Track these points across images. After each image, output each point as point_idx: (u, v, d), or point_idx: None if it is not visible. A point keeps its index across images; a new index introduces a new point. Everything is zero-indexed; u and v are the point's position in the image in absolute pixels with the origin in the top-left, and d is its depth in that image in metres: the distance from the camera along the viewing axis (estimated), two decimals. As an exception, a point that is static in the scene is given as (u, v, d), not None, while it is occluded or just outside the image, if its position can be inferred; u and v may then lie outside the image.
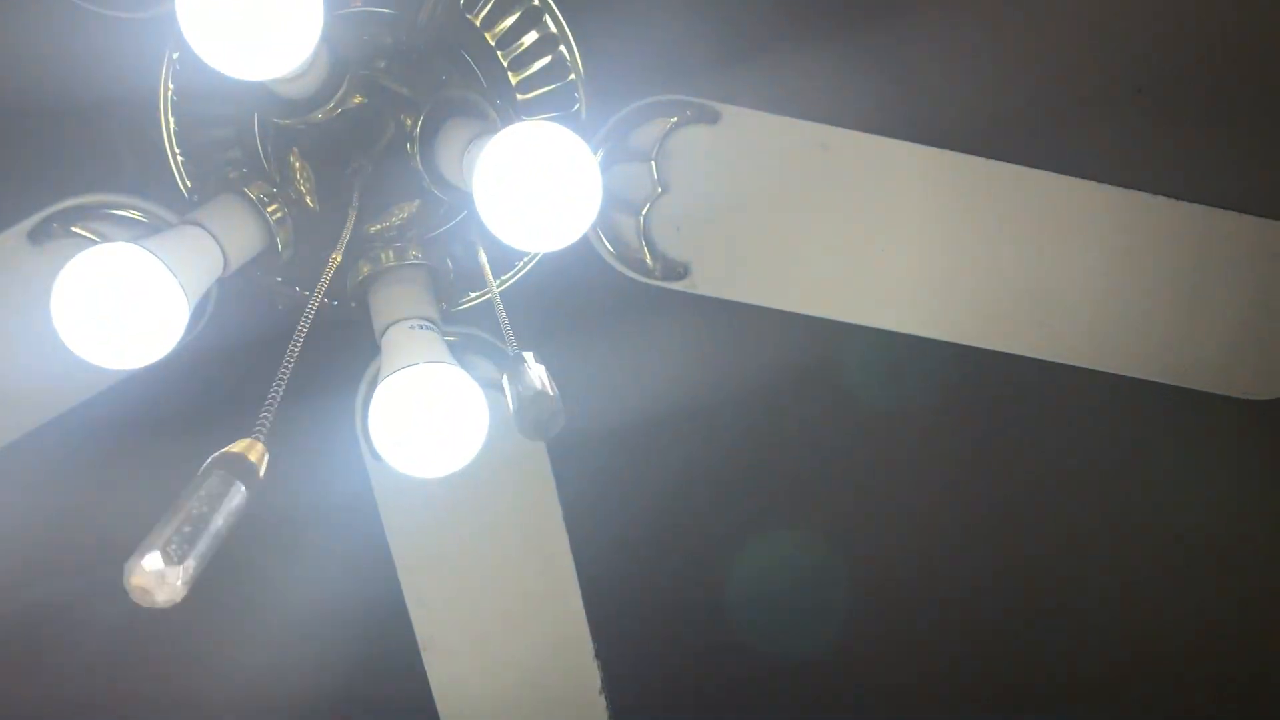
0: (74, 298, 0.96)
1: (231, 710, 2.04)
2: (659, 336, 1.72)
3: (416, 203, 1.17)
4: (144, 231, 1.19)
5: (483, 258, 1.14)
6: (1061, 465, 2.05)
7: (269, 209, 1.08)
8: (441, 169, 1.08)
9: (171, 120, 1.21)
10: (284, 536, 1.78)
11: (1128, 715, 2.37)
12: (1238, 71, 1.61)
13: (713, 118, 1.24)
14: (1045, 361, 1.30)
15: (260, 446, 0.78)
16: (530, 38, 1.23)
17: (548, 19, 1.26)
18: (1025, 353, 1.27)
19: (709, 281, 1.33)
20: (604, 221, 1.28)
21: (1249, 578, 2.19)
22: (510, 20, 1.21)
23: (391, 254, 1.14)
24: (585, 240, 1.15)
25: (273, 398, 0.82)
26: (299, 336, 0.88)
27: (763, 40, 1.56)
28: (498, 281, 1.30)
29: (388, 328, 1.08)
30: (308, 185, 1.12)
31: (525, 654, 1.51)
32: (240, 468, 0.75)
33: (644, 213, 1.32)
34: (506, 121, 1.11)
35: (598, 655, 1.53)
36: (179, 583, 0.68)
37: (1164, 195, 1.27)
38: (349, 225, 1.04)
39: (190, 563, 0.69)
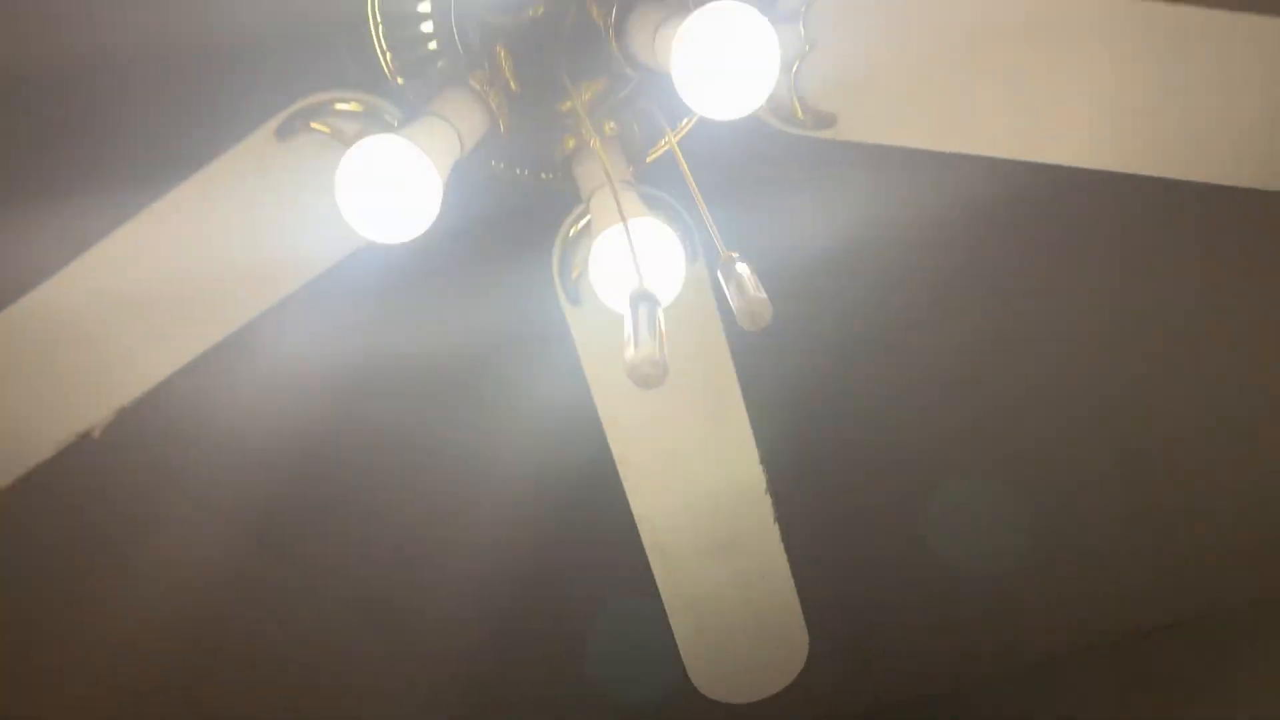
0: (351, 181, 1.16)
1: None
2: (817, 189, 1.88)
3: (604, 79, 1.33)
4: (367, 124, 1.37)
5: (668, 133, 1.30)
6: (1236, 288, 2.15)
7: (490, 97, 1.25)
8: (634, 50, 1.24)
9: (380, 19, 1.38)
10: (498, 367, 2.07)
11: None
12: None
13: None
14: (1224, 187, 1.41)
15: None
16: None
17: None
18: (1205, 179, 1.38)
19: (858, 128, 1.48)
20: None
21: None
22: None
23: (589, 126, 1.31)
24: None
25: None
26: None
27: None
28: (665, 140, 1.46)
29: (594, 190, 1.26)
30: (513, 74, 1.28)
31: (701, 465, 1.74)
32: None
33: (794, 70, 1.46)
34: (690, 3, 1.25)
35: (763, 462, 1.75)
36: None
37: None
38: (578, 107, 1.21)
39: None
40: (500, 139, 1.28)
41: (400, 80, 1.38)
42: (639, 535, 1.77)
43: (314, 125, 1.35)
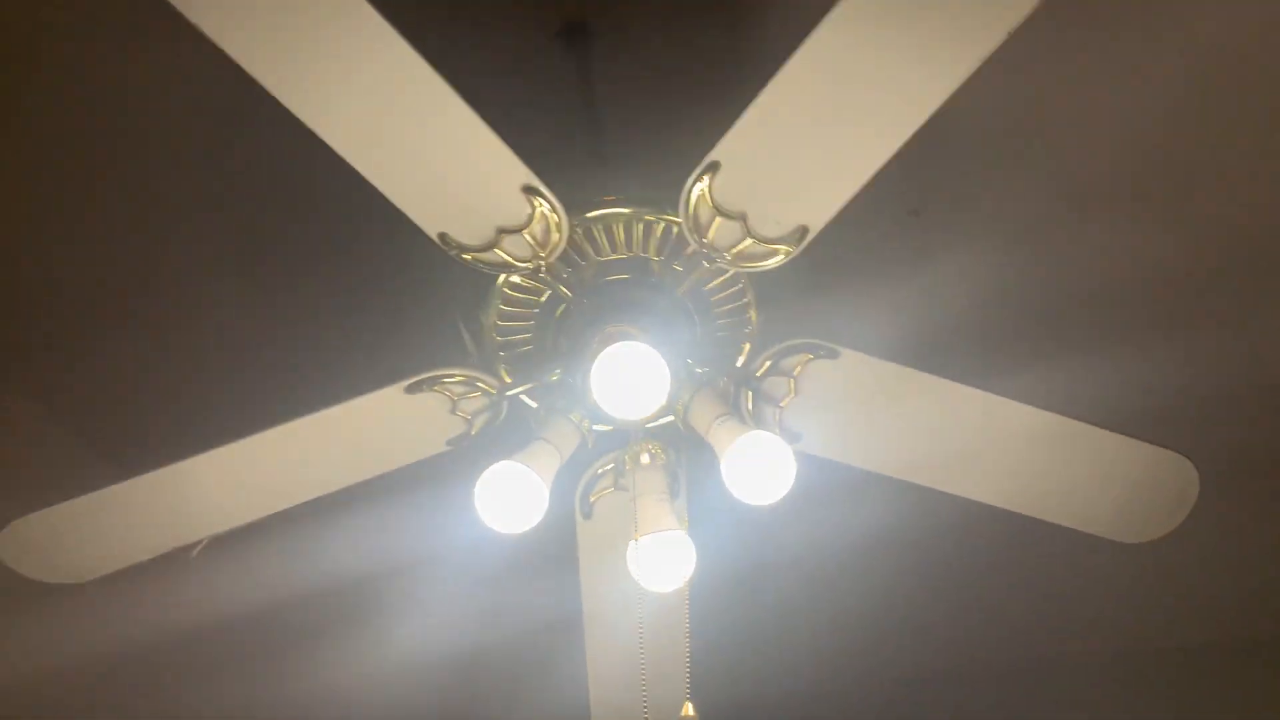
0: (486, 492, 1.62)
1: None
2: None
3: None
4: (474, 392, 1.80)
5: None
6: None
7: (584, 425, 1.74)
8: (693, 423, 1.71)
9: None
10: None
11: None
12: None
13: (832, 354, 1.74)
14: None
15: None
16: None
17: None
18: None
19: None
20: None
21: None
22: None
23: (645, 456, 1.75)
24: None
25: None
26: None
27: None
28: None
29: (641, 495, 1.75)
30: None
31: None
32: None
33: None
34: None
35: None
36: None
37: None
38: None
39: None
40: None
41: (508, 378, 1.80)
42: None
43: (435, 390, 1.78)
